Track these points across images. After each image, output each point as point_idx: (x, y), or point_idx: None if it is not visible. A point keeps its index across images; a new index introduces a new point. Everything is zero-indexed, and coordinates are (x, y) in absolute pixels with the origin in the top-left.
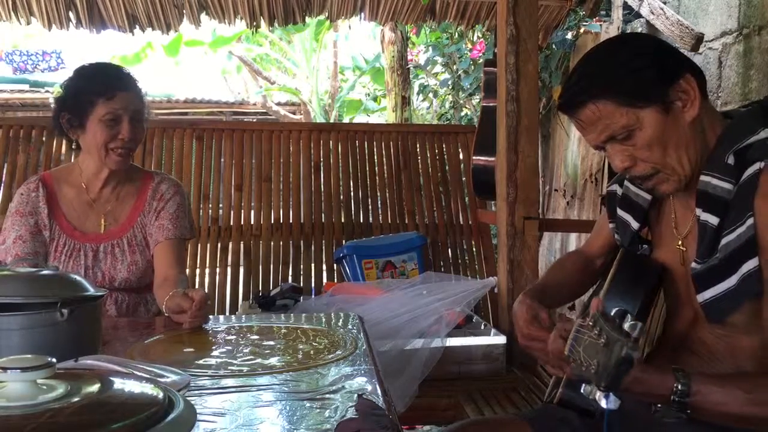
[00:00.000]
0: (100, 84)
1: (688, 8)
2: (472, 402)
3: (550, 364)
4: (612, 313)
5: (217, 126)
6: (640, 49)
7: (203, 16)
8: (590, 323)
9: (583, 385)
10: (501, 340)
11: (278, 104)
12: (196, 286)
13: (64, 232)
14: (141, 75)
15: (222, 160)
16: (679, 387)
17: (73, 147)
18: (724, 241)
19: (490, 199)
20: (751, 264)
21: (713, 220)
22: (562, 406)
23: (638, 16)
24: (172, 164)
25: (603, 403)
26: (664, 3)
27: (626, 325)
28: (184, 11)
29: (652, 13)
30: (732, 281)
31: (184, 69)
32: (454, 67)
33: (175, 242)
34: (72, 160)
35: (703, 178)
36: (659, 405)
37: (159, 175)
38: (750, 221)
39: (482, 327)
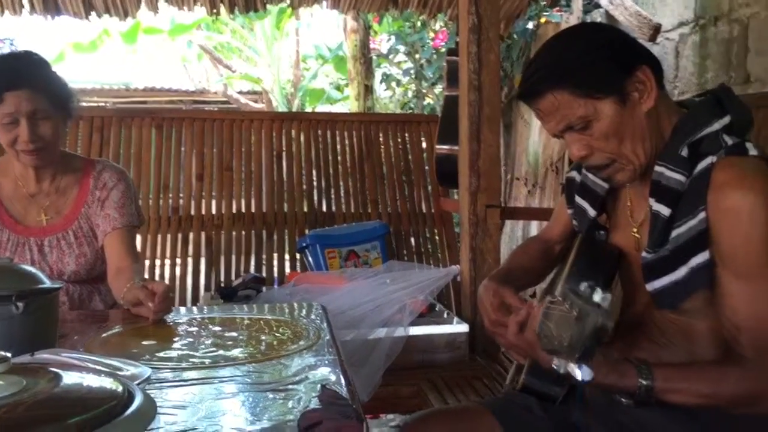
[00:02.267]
0: None
1: None
2: (435, 390)
3: (513, 351)
4: (581, 288)
5: (177, 115)
6: (598, 40)
7: (162, 3)
8: (560, 299)
9: (554, 359)
10: (464, 328)
11: (239, 93)
12: (157, 278)
13: (6, 227)
14: (97, 63)
15: (182, 149)
16: (644, 383)
17: None
18: (675, 233)
19: (452, 187)
20: (700, 257)
21: (665, 210)
22: (525, 392)
23: (597, 6)
24: (131, 154)
25: (577, 375)
26: None
27: (596, 297)
28: None
29: (611, 3)
30: (681, 273)
31: (142, 57)
32: (417, 56)
33: (124, 231)
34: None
35: (657, 168)
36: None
37: (101, 163)
38: (702, 215)
39: (445, 315)
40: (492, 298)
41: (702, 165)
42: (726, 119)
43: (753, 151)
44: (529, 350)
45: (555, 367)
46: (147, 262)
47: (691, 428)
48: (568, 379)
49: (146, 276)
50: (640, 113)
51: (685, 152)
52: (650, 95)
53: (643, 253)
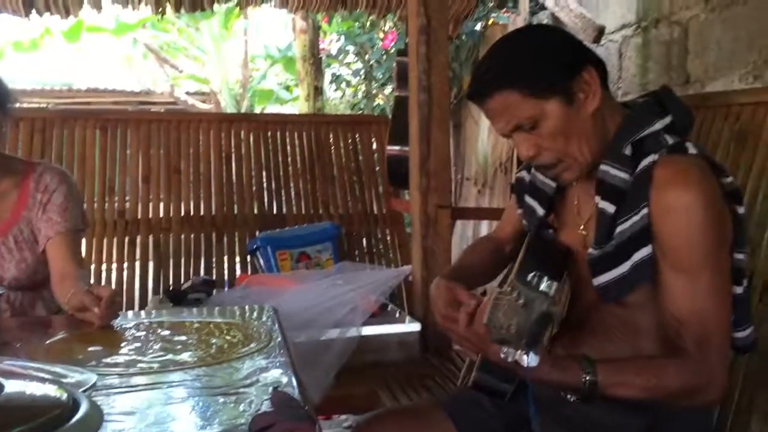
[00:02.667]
0: None
1: (590, 1)
2: (388, 390)
3: (464, 346)
4: (528, 278)
5: (122, 116)
6: (545, 41)
7: (105, 2)
8: (508, 289)
9: (502, 348)
10: (416, 327)
11: (187, 93)
12: (103, 283)
13: None
14: (38, 63)
15: (128, 151)
16: (588, 378)
17: None
18: (619, 228)
19: (403, 188)
20: (644, 252)
21: (610, 207)
22: (476, 389)
23: (544, 8)
24: (74, 156)
25: (524, 361)
26: None
27: (543, 285)
28: None
29: (557, 5)
30: (625, 267)
31: (85, 56)
32: (367, 56)
33: (68, 235)
34: None
35: (601, 167)
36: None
37: (41, 165)
38: (644, 211)
39: (397, 315)
40: (443, 294)
41: (644, 163)
42: (667, 119)
43: (693, 150)
44: (480, 343)
45: (503, 356)
46: (93, 267)
47: (636, 420)
48: (517, 369)
49: (92, 281)
50: (586, 113)
51: (628, 151)
52: (595, 96)
53: (590, 250)
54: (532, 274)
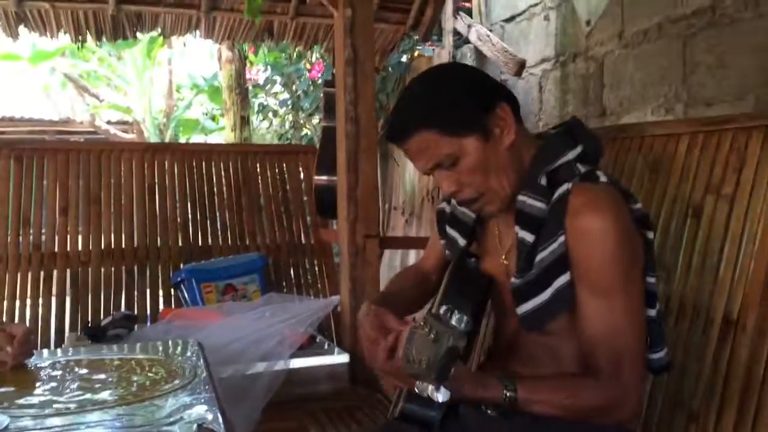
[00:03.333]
0: None
1: (511, 36)
2: (317, 423)
3: (385, 378)
4: (441, 312)
5: (39, 146)
6: (458, 80)
7: (21, 29)
8: (422, 323)
9: (416, 383)
10: (344, 358)
11: (108, 123)
12: (17, 319)
13: None
14: None
15: (45, 182)
16: (508, 394)
17: None
18: (539, 257)
19: (331, 218)
20: (563, 279)
21: (529, 237)
22: (403, 419)
23: (467, 41)
24: None
25: (437, 397)
26: (490, 31)
27: (453, 320)
28: (0, 22)
29: (480, 39)
30: (546, 295)
31: None
32: (294, 87)
33: None
34: None
35: (519, 197)
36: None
37: None
38: (561, 238)
39: (326, 346)
40: (371, 319)
41: (559, 191)
42: (578, 149)
43: (603, 178)
44: (399, 376)
45: (417, 390)
46: (5, 304)
47: None
48: (430, 402)
49: (5, 318)
50: (503, 147)
51: (543, 181)
52: (510, 130)
53: (512, 279)
54: (444, 308)
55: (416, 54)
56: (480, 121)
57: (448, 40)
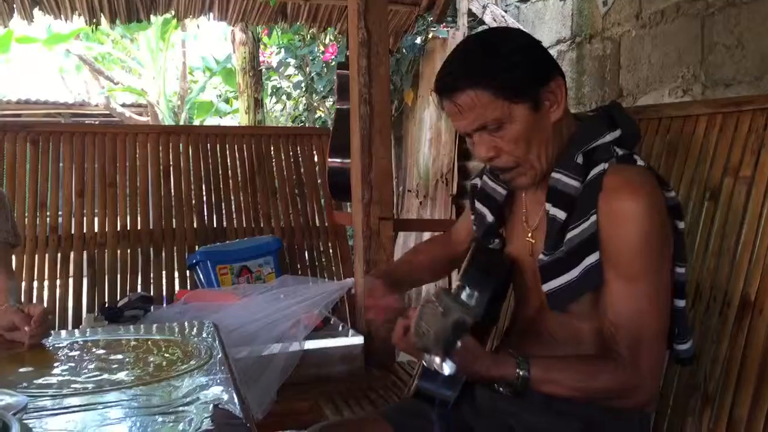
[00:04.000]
0: None
1: (527, 17)
2: (331, 403)
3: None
4: (453, 289)
5: (55, 128)
6: (523, 46)
7: (36, 11)
8: (433, 298)
9: (425, 356)
10: (358, 340)
11: (123, 105)
12: (35, 300)
13: None
14: None
15: (61, 164)
16: (521, 373)
17: None
18: (569, 235)
19: (345, 200)
20: (592, 258)
21: (561, 214)
22: (418, 397)
23: (482, 23)
24: (4, 170)
25: (444, 369)
26: (505, 12)
27: (463, 295)
28: (15, 5)
29: (494, 20)
30: (574, 273)
31: (15, 67)
32: (307, 69)
33: None
34: None
35: (554, 175)
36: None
37: None
38: (593, 218)
39: (340, 328)
40: (377, 289)
41: (595, 171)
42: (617, 132)
43: (640, 162)
44: (409, 351)
45: (425, 364)
46: (24, 285)
47: (573, 427)
48: (446, 381)
49: (23, 299)
50: (548, 122)
51: (580, 159)
52: (560, 106)
53: (540, 256)
54: (457, 284)
55: (430, 36)
56: (534, 91)
57: (463, 21)
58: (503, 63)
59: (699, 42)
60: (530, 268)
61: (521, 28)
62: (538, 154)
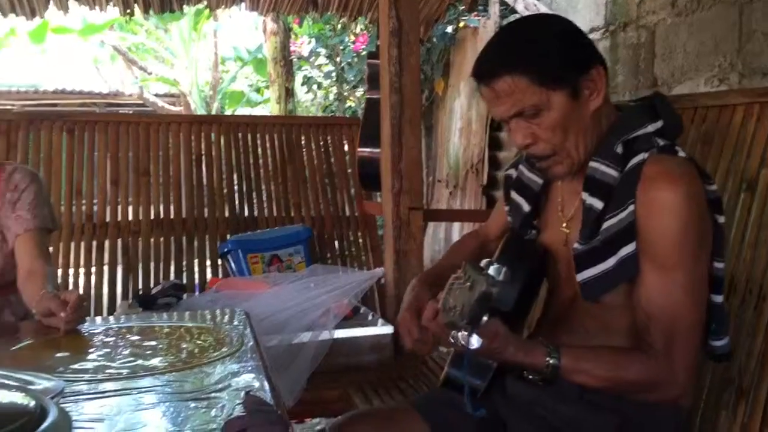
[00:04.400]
0: None
1: (559, 5)
2: (361, 393)
3: (417, 345)
4: (481, 264)
5: (90, 118)
6: (563, 32)
7: (71, 2)
8: (461, 273)
9: (452, 333)
10: (388, 330)
11: (156, 95)
12: (70, 287)
13: None
14: (3, 63)
15: (96, 153)
16: (550, 362)
17: None
18: (605, 224)
19: (375, 190)
20: (628, 248)
21: (598, 204)
22: (448, 386)
23: (514, 11)
24: (40, 158)
25: (470, 343)
26: (538, 0)
27: (491, 269)
28: None
29: (527, 9)
30: (610, 263)
31: (51, 57)
32: (338, 59)
33: (37, 233)
34: None
35: (592, 164)
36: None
37: (12, 165)
38: (631, 208)
39: (370, 318)
40: (411, 299)
41: (634, 161)
42: (659, 123)
43: (682, 153)
44: (440, 332)
45: (452, 341)
46: (60, 272)
47: (607, 420)
48: (477, 370)
49: (59, 283)
50: (587, 111)
51: (619, 149)
52: (599, 95)
53: (575, 245)
54: (485, 260)
55: (461, 25)
56: (574, 78)
57: (495, 10)
58: (542, 49)
59: (736, 30)
60: (564, 257)
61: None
62: (576, 142)
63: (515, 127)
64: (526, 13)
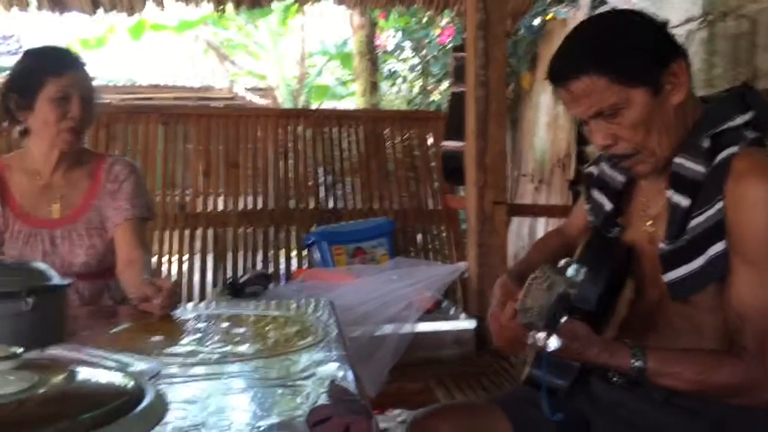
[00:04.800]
0: (49, 62)
1: None
2: (442, 386)
3: (503, 344)
4: (560, 264)
5: (183, 111)
6: (639, 27)
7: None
8: (539, 274)
9: (530, 334)
10: (471, 324)
11: (245, 89)
12: (164, 274)
13: (18, 219)
14: (104, 59)
15: (188, 145)
16: (636, 364)
17: (19, 131)
18: (693, 222)
19: (458, 184)
20: (718, 247)
21: (684, 201)
22: (530, 385)
23: (604, 2)
24: (138, 150)
25: (548, 345)
26: None
27: (569, 270)
28: None
29: None
30: (698, 262)
31: (148, 53)
32: (423, 52)
33: (135, 222)
34: (23, 146)
35: (677, 160)
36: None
37: (112, 157)
38: (719, 204)
39: (452, 312)
40: (499, 295)
41: (723, 155)
42: (748, 115)
43: None
44: (520, 333)
45: (530, 342)
46: (154, 259)
47: (697, 425)
48: (561, 370)
49: (154, 270)
50: (670, 106)
51: (706, 144)
52: (682, 89)
53: (661, 245)
54: (565, 260)
55: (550, 17)
56: (653, 74)
57: (585, 0)
58: (619, 47)
59: None
60: (649, 257)
61: (647, 7)
62: (659, 140)
63: (595, 128)
64: (618, 4)
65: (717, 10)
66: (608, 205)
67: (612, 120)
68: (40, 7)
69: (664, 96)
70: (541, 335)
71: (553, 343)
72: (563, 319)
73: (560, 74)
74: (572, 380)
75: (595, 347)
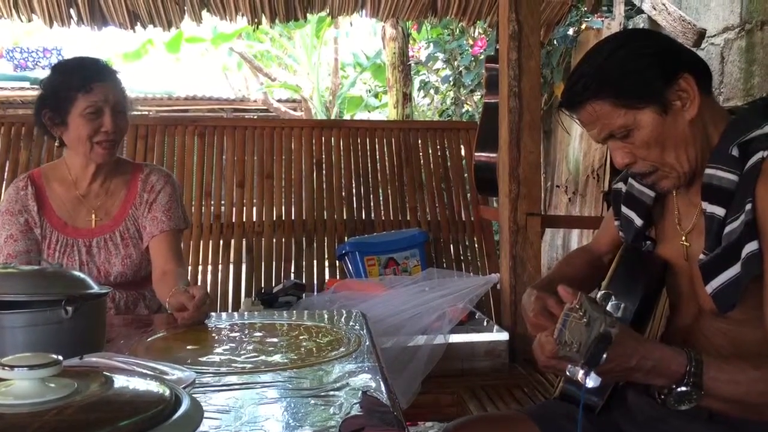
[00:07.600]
0: (77, 78)
1: (690, 4)
2: (475, 398)
3: (542, 363)
4: (599, 297)
5: (219, 123)
6: (639, 48)
7: (204, 13)
8: (577, 306)
9: (568, 367)
10: (504, 336)
11: (279, 101)
12: (199, 283)
13: (55, 229)
14: (141, 72)
15: (224, 156)
16: (693, 364)
17: (57, 144)
18: (727, 229)
19: (491, 195)
20: (751, 246)
21: (719, 211)
22: (564, 400)
23: (640, 12)
24: (174, 161)
25: (586, 382)
26: None
27: (609, 305)
28: (186, 8)
29: (654, 8)
30: (737, 268)
31: (184, 66)
32: (455, 63)
33: (171, 234)
34: (60, 157)
35: (707, 171)
36: (665, 392)
37: (148, 166)
38: (749, 206)
39: (485, 323)
40: (533, 304)
41: (753, 160)
42: None
43: None
44: (556, 362)
45: (569, 374)
46: (189, 268)
47: None
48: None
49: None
50: (683, 121)
51: (735, 152)
52: (693, 104)
53: (701, 256)
54: (603, 293)
55: (584, 27)
56: (658, 93)
57: (620, 10)
58: (619, 70)
59: None
60: (685, 272)
61: (683, 16)
62: (677, 155)
63: (613, 147)
64: (653, 13)
65: (755, 19)
66: (638, 221)
67: (626, 140)
68: (79, 23)
69: (675, 112)
70: (581, 372)
71: (592, 381)
72: (603, 358)
73: (568, 103)
74: (607, 396)
75: (639, 373)
